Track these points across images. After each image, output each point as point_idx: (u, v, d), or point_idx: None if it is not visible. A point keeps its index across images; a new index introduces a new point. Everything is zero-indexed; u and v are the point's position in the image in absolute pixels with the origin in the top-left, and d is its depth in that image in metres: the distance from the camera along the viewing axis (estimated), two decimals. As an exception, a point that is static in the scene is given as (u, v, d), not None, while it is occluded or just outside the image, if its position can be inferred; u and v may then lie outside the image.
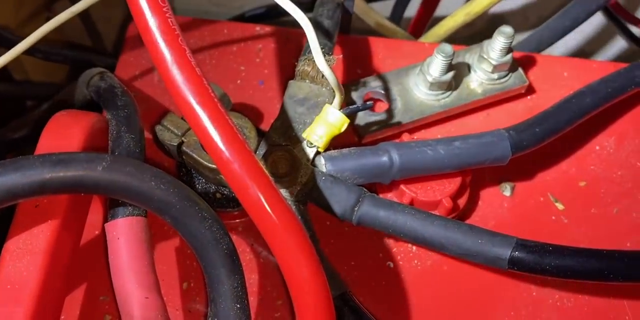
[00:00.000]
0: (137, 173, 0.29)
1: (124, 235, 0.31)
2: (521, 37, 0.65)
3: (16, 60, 0.61)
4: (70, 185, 0.28)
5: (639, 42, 0.67)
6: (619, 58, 0.72)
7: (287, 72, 0.45)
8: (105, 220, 0.32)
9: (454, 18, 0.50)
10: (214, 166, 0.36)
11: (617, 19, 0.63)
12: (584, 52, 0.71)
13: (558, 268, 0.31)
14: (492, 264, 0.32)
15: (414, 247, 0.39)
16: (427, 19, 0.54)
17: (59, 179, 0.27)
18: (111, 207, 0.32)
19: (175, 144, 0.36)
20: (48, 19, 0.47)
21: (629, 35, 0.66)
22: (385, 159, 0.35)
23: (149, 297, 0.30)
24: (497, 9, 0.65)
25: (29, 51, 0.42)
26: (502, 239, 0.32)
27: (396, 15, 0.54)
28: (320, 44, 0.35)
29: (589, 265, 0.31)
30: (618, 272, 0.31)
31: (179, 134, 0.37)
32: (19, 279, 0.29)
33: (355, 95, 0.42)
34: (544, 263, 0.31)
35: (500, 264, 0.31)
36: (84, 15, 0.68)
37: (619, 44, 0.70)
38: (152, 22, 0.27)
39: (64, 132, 0.32)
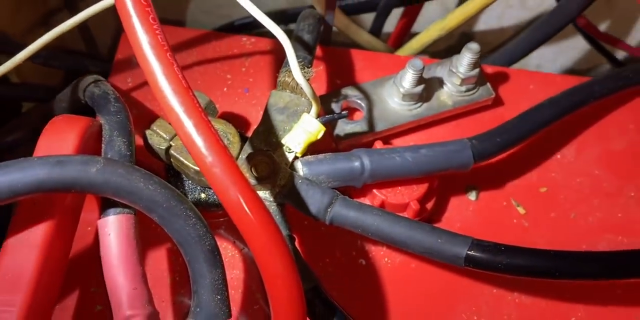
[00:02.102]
0: (128, 174, 0.32)
1: (114, 231, 0.34)
2: (497, 49, 0.68)
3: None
4: (67, 184, 0.31)
5: (609, 55, 0.70)
6: (592, 69, 0.76)
7: (270, 81, 0.48)
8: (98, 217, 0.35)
9: (428, 33, 0.53)
10: (198, 168, 0.38)
11: (587, 34, 0.66)
12: (559, 64, 0.74)
13: (509, 266, 0.34)
14: (451, 262, 0.35)
15: (385, 246, 0.42)
16: (405, 32, 0.57)
17: (57, 179, 0.30)
18: (103, 206, 0.34)
19: (164, 147, 0.39)
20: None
21: (600, 49, 0.69)
22: (357, 164, 0.38)
23: (137, 288, 0.33)
24: (474, 22, 0.68)
25: (30, 57, 0.44)
26: (459, 239, 0.35)
27: (375, 28, 0.57)
28: (299, 57, 0.38)
29: (537, 264, 0.34)
30: (564, 270, 0.34)
31: (168, 138, 0.39)
32: (17, 269, 0.32)
33: (333, 104, 0.45)
34: (496, 261, 0.34)
35: (457, 262, 0.34)
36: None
37: (591, 57, 0.74)
38: (143, 38, 0.29)
39: (60, 136, 0.35)
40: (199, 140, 0.29)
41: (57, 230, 0.34)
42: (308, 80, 0.38)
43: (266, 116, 0.40)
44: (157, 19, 0.30)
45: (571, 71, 0.75)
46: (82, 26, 0.71)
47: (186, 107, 0.29)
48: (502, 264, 0.34)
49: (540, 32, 0.58)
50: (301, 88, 0.40)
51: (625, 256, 0.34)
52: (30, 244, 0.33)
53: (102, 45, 0.72)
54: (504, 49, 0.60)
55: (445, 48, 0.66)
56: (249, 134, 0.43)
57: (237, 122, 0.46)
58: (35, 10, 0.67)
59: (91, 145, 0.37)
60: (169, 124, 0.40)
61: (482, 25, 0.69)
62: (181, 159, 0.39)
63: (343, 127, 0.44)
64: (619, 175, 0.46)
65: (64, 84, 0.72)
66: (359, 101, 0.45)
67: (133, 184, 0.32)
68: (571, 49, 0.73)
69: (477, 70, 0.44)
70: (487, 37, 0.69)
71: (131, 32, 0.29)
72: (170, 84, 0.29)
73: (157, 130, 0.40)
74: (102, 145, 0.37)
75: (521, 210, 0.44)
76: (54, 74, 0.68)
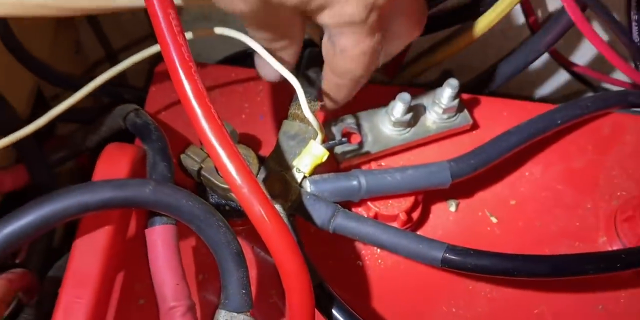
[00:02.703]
0: (173, 193, 0.40)
1: (160, 238, 0.42)
2: (481, 74, 0.76)
3: (54, 91, 0.72)
4: (127, 202, 0.39)
5: (582, 80, 0.78)
6: (568, 94, 0.84)
7: (281, 109, 0.56)
8: (145, 227, 0.43)
9: (419, 65, 0.62)
10: (225, 186, 0.47)
11: (562, 62, 0.74)
12: (538, 90, 0.83)
13: (477, 266, 0.42)
14: (430, 263, 0.43)
15: (378, 250, 0.50)
16: (399, 63, 0.65)
17: (119, 199, 0.38)
18: (150, 217, 0.43)
19: (196, 168, 0.47)
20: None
21: (574, 75, 0.77)
22: (355, 183, 0.46)
23: (179, 284, 0.41)
24: (461, 49, 0.76)
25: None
26: (437, 244, 0.43)
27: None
28: (306, 92, 0.46)
29: (499, 265, 0.42)
30: (520, 270, 0.42)
31: (199, 161, 0.48)
32: (85, 268, 0.40)
33: (335, 129, 0.53)
34: (466, 262, 0.42)
35: (435, 263, 0.43)
36: (111, 55, 0.79)
37: (569, 83, 0.82)
38: (188, 88, 0.37)
39: (115, 161, 0.43)
40: (230, 167, 0.37)
41: (114, 236, 0.42)
42: (314, 112, 0.46)
43: (279, 142, 0.49)
44: (197, 70, 0.39)
45: (550, 96, 0.83)
46: (113, 58, 0.79)
47: (220, 141, 0.37)
48: (471, 265, 0.42)
49: (517, 61, 0.67)
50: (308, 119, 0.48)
51: (568, 259, 0.43)
52: (94, 247, 0.41)
53: (133, 75, 0.81)
54: (484, 77, 0.69)
55: (434, 79, 0.75)
56: (265, 154, 0.52)
57: (254, 143, 0.54)
58: (70, 43, 0.76)
59: (138, 168, 0.45)
60: (200, 149, 0.48)
61: (467, 52, 0.77)
62: (211, 178, 0.47)
63: (343, 150, 0.52)
64: (578, 190, 0.55)
65: (98, 107, 0.81)
66: (356, 127, 0.53)
67: (178, 201, 0.40)
68: (548, 75, 0.81)
69: (456, 101, 0.52)
70: (471, 62, 0.77)
71: (178, 84, 0.37)
72: (209, 124, 0.37)
73: (190, 155, 0.48)
74: (147, 168, 0.45)
75: (494, 219, 0.53)
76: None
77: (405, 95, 0.50)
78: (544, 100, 0.84)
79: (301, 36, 0.42)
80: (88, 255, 0.41)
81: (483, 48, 0.76)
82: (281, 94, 0.57)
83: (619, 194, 0.54)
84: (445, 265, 0.43)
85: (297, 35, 0.41)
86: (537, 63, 0.72)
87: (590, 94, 0.81)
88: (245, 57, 0.75)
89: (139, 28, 0.79)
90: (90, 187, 0.38)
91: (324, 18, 0.38)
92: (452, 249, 0.42)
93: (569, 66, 0.71)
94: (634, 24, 0.56)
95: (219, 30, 0.45)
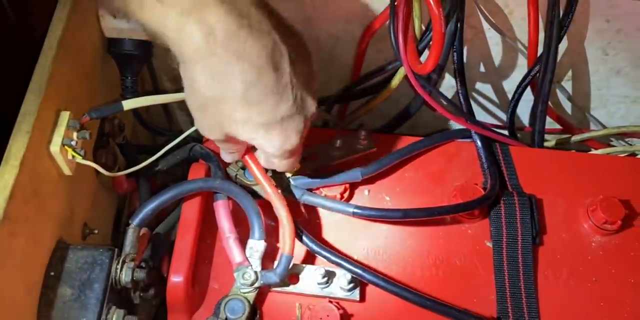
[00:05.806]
0: (228, 184, 0.87)
1: (221, 206, 0.89)
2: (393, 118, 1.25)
3: (134, 132, 1.21)
4: (207, 188, 0.86)
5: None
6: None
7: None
8: (213, 201, 0.90)
9: (356, 113, 1.11)
10: (250, 183, 0.94)
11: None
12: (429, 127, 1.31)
13: (369, 215, 0.90)
14: (349, 214, 0.91)
15: (327, 211, 0.98)
16: (344, 113, 1.14)
17: (205, 186, 0.86)
18: (215, 195, 0.90)
19: (234, 174, 0.95)
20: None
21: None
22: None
23: (231, 226, 0.88)
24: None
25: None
26: (351, 204, 0.91)
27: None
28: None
29: (378, 214, 0.90)
30: (387, 216, 0.90)
31: (235, 171, 0.95)
32: (189, 220, 0.87)
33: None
34: (364, 213, 0.90)
35: (350, 213, 0.90)
36: (167, 109, 1.27)
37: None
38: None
39: (199, 170, 0.91)
40: (259, 175, 0.85)
41: (201, 205, 0.89)
42: (292, 145, 0.94)
43: (275, 160, 0.97)
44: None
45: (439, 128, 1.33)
46: (168, 113, 1.27)
47: (255, 165, 0.85)
48: (366, 214, 0.90)
49: (409, 111, 1.16)
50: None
51: (411, 209, 0.91)
52: (192, 210, 0.88)
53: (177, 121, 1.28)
54: (397, 117, 1.17)
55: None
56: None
57: (261, 162, 1.02)
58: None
59: (208, 173, 0.93)
60: (236, 164, 0.96)
61: (388, 104, 1.25)
62: (242, 179, 0.94)
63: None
64: (434, 183, 1.02)
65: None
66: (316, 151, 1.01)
67: (229, 187, 0.88)
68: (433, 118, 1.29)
69: (368, 137, 1.01)
70: (389, 111, 1.26)
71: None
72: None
73: (232, 168, 0.95)
74: (212, 173, 0.93)
75: (387, 198, 1.01)
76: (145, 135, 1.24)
77: (339, 137, 0.99)
78: (436, 131, 1.33)
79: (244, 149, 0.79)
80: (190, 214, 0.88)
81: (396, 102, 1.25)
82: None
83: (455, 184, 1.02)
84: (355, 215, 0.91)
85: (241, 149, 0.80)
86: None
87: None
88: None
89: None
90: (192, 181, 0.87)
91: (260, 149, 0.76)
92: (357, 207, 0.91)
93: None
94: (460, 94, 1.05)
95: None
